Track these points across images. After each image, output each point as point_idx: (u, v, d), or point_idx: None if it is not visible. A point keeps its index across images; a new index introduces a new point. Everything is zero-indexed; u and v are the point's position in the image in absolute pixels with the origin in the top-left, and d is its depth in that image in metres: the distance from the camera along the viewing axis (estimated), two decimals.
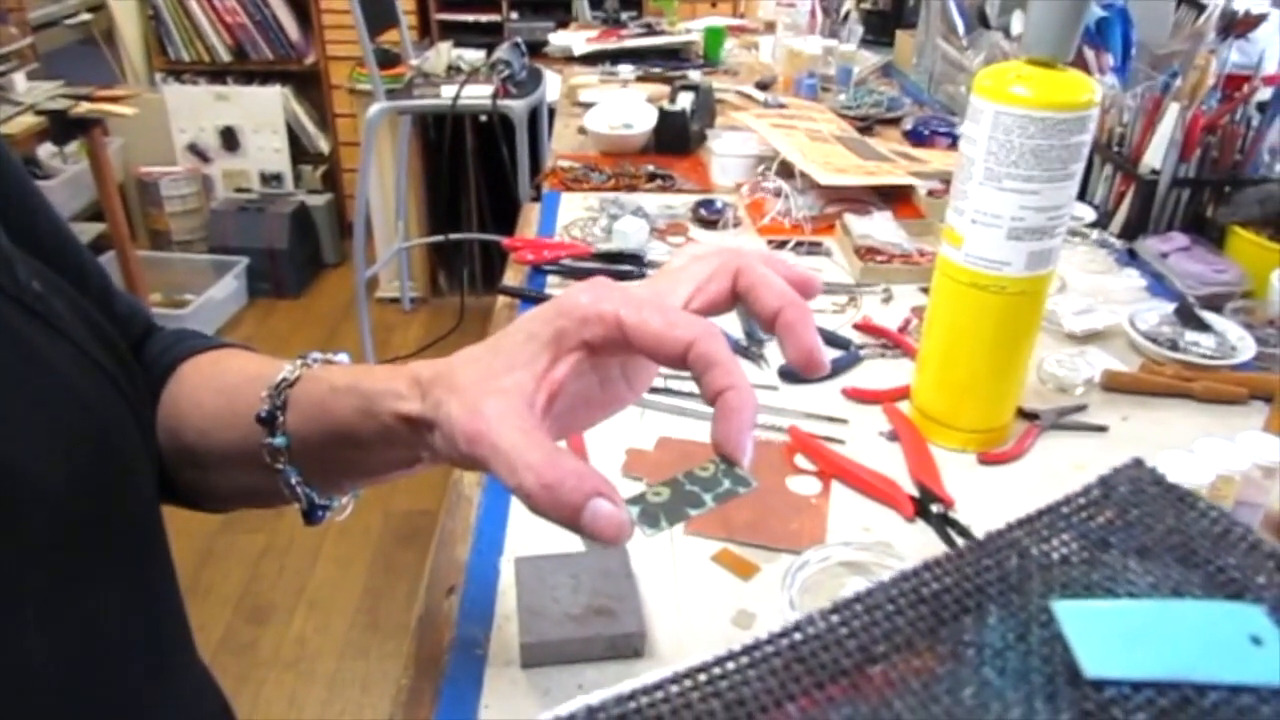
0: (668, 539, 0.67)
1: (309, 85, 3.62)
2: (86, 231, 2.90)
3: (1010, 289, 0.70)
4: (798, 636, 0.22)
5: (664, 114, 1.41)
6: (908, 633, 0.22)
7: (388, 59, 2.88)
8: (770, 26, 2.35)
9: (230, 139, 3.50)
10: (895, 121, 1.60)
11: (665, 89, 1.74)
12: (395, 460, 0.46)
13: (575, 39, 2.05)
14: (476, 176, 3.20)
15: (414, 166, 3.15)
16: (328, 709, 1.94)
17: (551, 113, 2.91)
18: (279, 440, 0.47)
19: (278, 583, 2.26)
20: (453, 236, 3.06)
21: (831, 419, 0.81)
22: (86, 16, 3.31)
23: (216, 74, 3.55)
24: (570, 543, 0.65)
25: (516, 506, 0.70)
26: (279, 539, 2.39)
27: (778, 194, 1.22)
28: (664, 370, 0.40)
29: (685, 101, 1.46)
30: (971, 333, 0.74)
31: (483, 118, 2.88)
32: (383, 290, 3.44)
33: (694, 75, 1.84)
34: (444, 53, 2.74)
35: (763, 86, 1.80)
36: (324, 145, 3.68)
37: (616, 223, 1.09)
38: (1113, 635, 0.21)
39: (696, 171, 1.37)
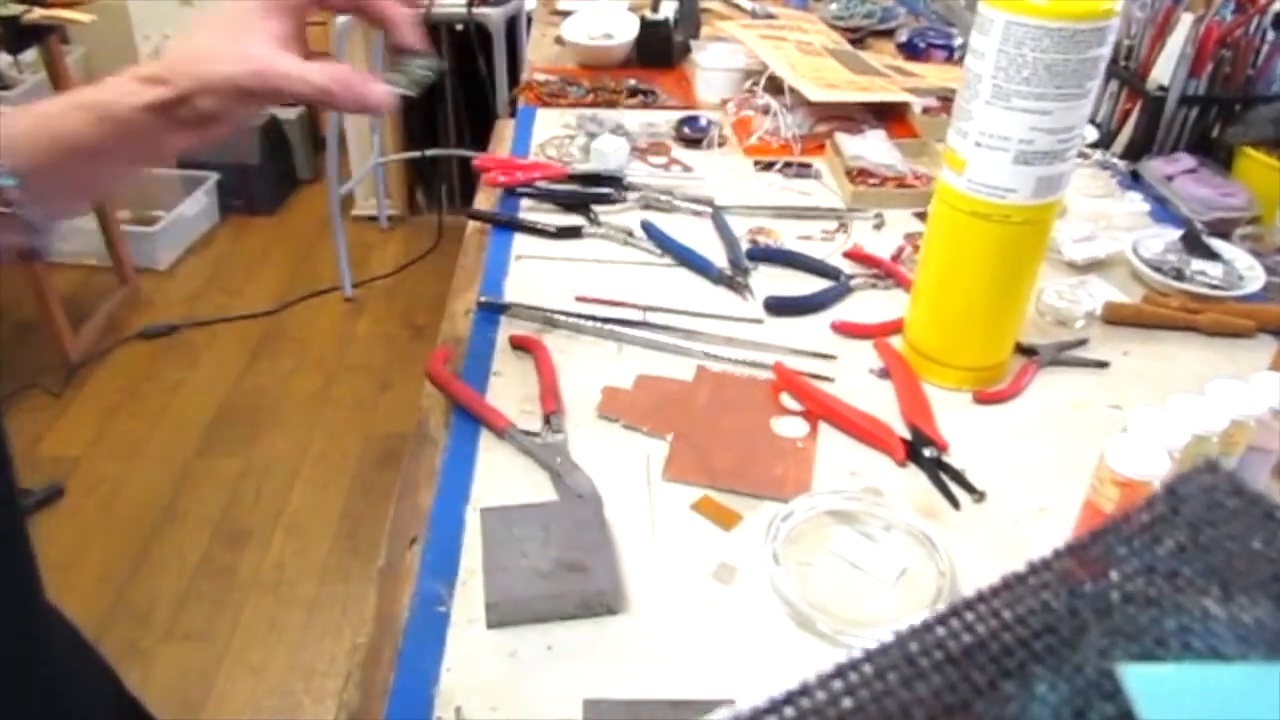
0: (644, 484, 0.63)
1: None
2: None
3: (1015, 218, 0.65)
4: (789, 713, 0.17)
5: (646, 24, 1.33)
6: (932, 708, 0.17)
7: None
8: None
9: None
10: (889, 34, 1.52)
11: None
12: (133, 156, 0.50)
13: None
14: (454, 89, 3.07)
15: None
16: (308, 632, 1.93)
17: (530, 22, 2.78)
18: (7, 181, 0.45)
19: (255, 507, 2.23)
20: (429, 152, 2.95)
21: (819, 355, 0.76)
22: None
23: None
24: (540, 491, 0.61)
25: (485, 450, 0.66)
26: (255, 463, 2.35)
27: (765, 111, 1.15)
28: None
29: (668, 10, 1.37)
30: (971, 264, 0.69)
31: (458, 27, 2.74)
32: (359, 208, 3.34)
33: None
34: None
35: None
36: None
37: (595, 141, 1.02)
38: (1199, 713, 0.16)
39: (681, 87, 1.30)
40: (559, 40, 1.45)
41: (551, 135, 1.10)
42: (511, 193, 0.96)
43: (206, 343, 2.73)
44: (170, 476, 2.28)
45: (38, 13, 2.32)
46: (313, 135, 3.60)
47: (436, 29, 2.85)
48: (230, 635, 1.91)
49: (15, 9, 2.30)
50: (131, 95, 0.46)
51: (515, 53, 2.65)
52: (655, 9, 1.39)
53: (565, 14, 1.57)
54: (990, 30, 0.61)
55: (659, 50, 1.34)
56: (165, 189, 3.23)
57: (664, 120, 1.15)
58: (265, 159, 3.30)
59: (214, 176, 3.23)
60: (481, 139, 3.07)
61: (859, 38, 1.46)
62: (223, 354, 2.69)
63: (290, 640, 1.91)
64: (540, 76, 1.28)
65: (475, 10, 2.40)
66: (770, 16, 1.55)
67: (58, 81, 2.51)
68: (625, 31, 1.37)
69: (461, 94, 3.08)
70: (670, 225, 0.93)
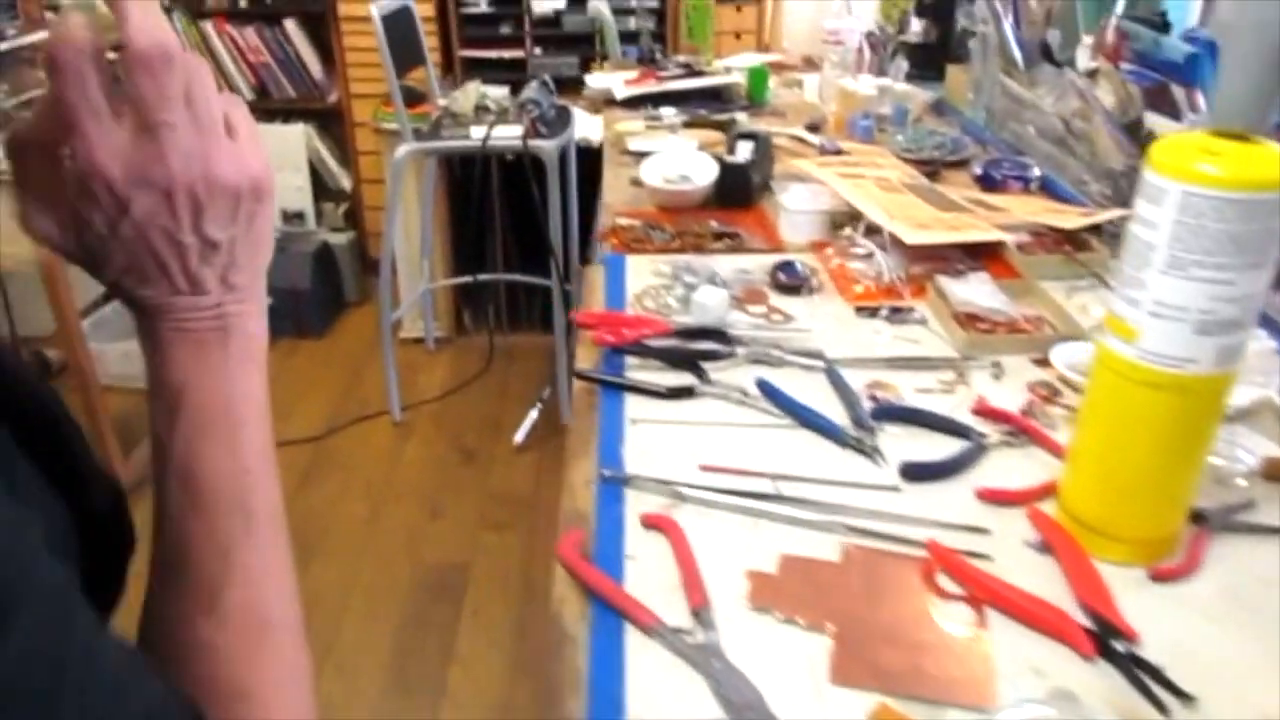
0: (811, 690, 0.58)
1: (331, 122, 3.57)
2: None
3: (1193, 388, 0.61)
4: None
5: (726, 166, 1.33)
6: None
7: (413, 96, 2.82)
8: (809, 63, 2.28)
9: None
10: (960, 164, 1.52)
11: (716, 135, 1.66)
12: None
13: (613, 80, 1.98)
14: (502, 215, 3.13)
15: (438, 205, 3.08)
16: None
17: (580, 151, 2.85)
18: None
19: None
20: (481, 277, 2.98)
21: (971, 529, 0.72)
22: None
23: None
24: (701, 701, 0.55)
25: (633, 650, 0.61)
26: (303, 594, 2.29)
27: (861, 255, 1.13)
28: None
29: (745, 151, 1.38)
30: (1143, 433, 0.65)
31: (509, 155, 2.81)
32: (407, 330, 3.36)
33: (743, 119, 1.77)
34: (471, 92, 2.67)
35: (813, 128, 1.72)
36: (346, 182, 3.62)
37: (695, 293, 1.00)
38: None
39: (763, 227, 1.29)
40: (635, 182, 1.46)
41: (646, 285, 1.08)
42: (617, 350, 0.93)
43: None
44: None
45: None
46: (361, 258, 3.67)
47: (487, 158, 2.93)
48: None
49: None
50: None
51: (564, 181, 2.70)
52: (731, 150, 1.40)
53: (637, 155, 1.59)
54: (1164, 201, 0.59)
55: (739, 192, 1.34)
56: None
57: (756, 265, 1.13)
58: (316, 282, 3.35)
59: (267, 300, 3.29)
60: (529, 263, 3.12)
61: (932, 170, 1.46)
62: None
63: None
64: (623, 221, 1.28)
65: (531, 143, 2.46)
66: (839, 151, 1.56)
67: None
68: (703, 174, 1.38)
69: (509, 220, 3.14)
70: (782, 381, 0.90)
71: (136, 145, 0.37)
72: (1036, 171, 1.37)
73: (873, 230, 1.16)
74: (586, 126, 2.87)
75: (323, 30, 3.45)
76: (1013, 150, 1.54)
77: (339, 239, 3.52)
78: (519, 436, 2.79)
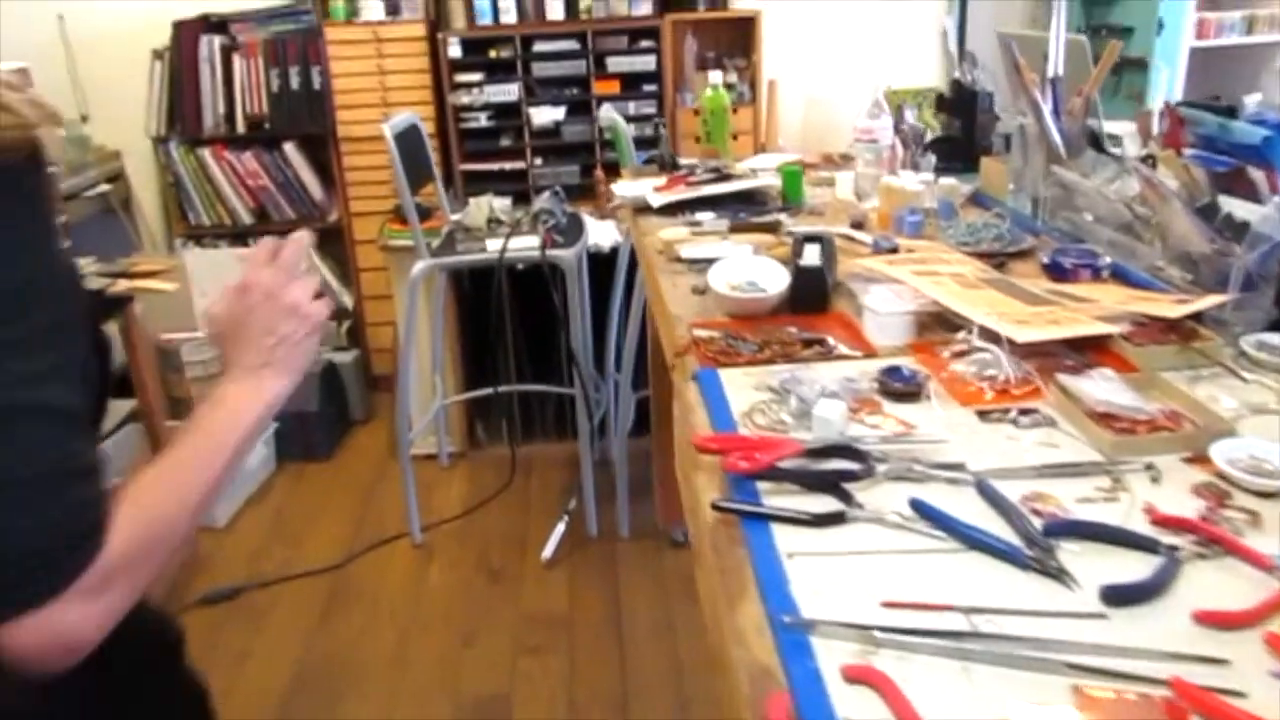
0: None
1: (331, 241, 3.55)
2: (116, 410, 2.75)
3: None
4: None
5: (801, 271, 1.31)
6: None
7: (421, 212, 2.81)
8: (830, 160, 2.30)
9: None
10: (1021, 255, 1.51)
11: (768, 238, 1.65)
12: None
13: (641, 187, 1.98)
14: (514, 325, 3.10)
15: (448, 318, 3.05)
16: None
17: (593, 258, 2.84)
18: None
19: None
20: (502, 389, 2.92)
21: (1204, 659, 0.65)
22: (106, 188, 3.25)
23: (237, 235, 3.48)
24: None
25: None
26: None
27: (961, 354, 1.10)
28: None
29: (813, 255, 1.36)
30: None
31: (520, 266, 2.79)
32: (417, 447, 3.26)
33: (787, 220, 1.76)
34: (484, 206, 2.67)
35: (857, 225, 1.72)
36: (348, 300, 3.58)
37: (814, 408, 0.95)
38: None
39: (847, 331, 1.25)
40: (697, 290, 1.43)
41: (754, 402, 1.03)
42: (747, 476, 0.88)
43: (272, 604, 2.58)
44: None
45: (123, 284, 2.35)
46: (366, 376, 3.61)
47: (499, 270, 2.90)
48: None
49: (100, 281, 2.33)
50: None
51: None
52: (798, 253, 1.37)
53: (688, 261, 1.57)
54: None
55: (815, 296, 1.31)
56: None
57: (858, 372, 1.09)
58: (323, 404, 3.27)
59: (273, 426, 3.19)
60: (541, 372, 3.07)
61: (998, 263, 1.45)
62: (290, 616, 2.54)
63: None
64: (701, 332, 1.24)
65: (549, 252, 2.44)
66: (895, 249, 1.54)
67: (131, 345, 2.51)
68: (772, 279, 1.35)
69: (520, 329, 3.10)
70: (929, 497, 0.84)
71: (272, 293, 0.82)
72: (1107, 259, 1.36)
73: (954, 327, 1.13)
74: (596, 233, 2.87)
75: (321, 152, 3.47)
76: (1071, 239, 1.53)
77: (344, 358, 3.46)
78: (547, 552, 2.69)
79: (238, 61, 3.33)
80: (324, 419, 3.30)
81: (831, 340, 1.21)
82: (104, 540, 0.61)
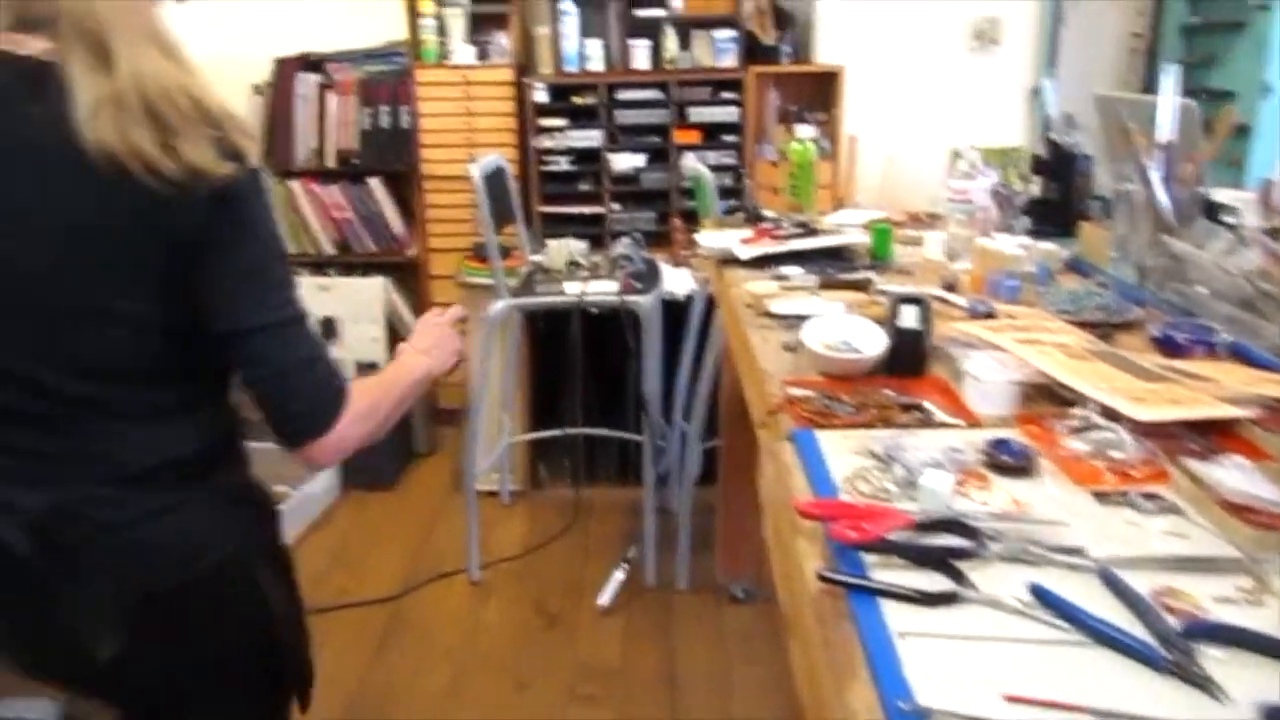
0: None
1: (407, 275, 3.61)
2: None
3: None
4: None
5: (901, 333, 1.27)
6: None
7: (500, 252, 2.84)
8: (917, 218, 2.27)
9: (329, 329, 3.45)
10: (1126, 327, 1.45)
11: (860, 296, 1.62)
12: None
13: (727, 239, 1.96)
14: (585, 367, 3.09)
15: (521, 357, 3.06)
16: None
17: (666, 305, 2.83)
18: None
19: None
20: (570, 431, 2.91)
21: None
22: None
23: (318, 265, 3.56)
24: None
25: None
26: None
27: (1076, 430, 1.05)
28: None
29: (911, 317, 1.32)
30: None
31: (595, 310, 2.80)
32: (479, 483, 3.27)
33: (876, 279, 1.73)
34: (563, 248, 2.69)
35: (949, 288, 1.67)
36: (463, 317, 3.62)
37: (921, 479, 0.91)
38: None
39: (946, 398, 1.21)
40: (787, 347, 1.40)
41: (855, 467, 0.99)
42: (855, 547, 0.84)
43: (330, 631, 2.57)
44: None
45: None
46: (432, 409, 3.64)
47: (570, 311, 2.91)
48: None
49: None
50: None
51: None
52: (895, 314, 1.34)
53: (778, 316, 1.54)
54: None
55: (914, 359, 1.27)
56: (290, 465, 3.21)
57: (964, 443, 1.05)
58: (390, 434, 3.29)
59: None
60: (609, 415, 3.05)
61: (1103, 334, 1.39)
62: (347, 644, 2.53)
63: None
64: (797, 391, 1.21)
65: (628, 298, 2.44)
66: (990, 314, 1.50)
67: None
68: (867, 339, 1.31)
69: (590, 371, 3.10)
70: (1047, 583, 0.79)
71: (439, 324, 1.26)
72: (1225, 336, 1.30)
73: (1063, 400, 1.08)
74: (672, 280, 2.86)
75: (404, 188, 3.54)
76: (1182, 312, 1.47)
77: None
78: (604, 599, 2.65)
79: (332, 99, 3.44)
80: (390, 449, 3.32)
81: (930, 406, 1.17)
82: (351, 392, 1.03)
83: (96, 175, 0.86)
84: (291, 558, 1.20)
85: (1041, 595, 0.78)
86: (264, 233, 0.96)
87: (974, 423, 1.13)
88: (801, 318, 1.43)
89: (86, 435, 0.97)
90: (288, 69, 3.46)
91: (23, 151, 0.89)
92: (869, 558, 0.84)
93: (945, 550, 0.83)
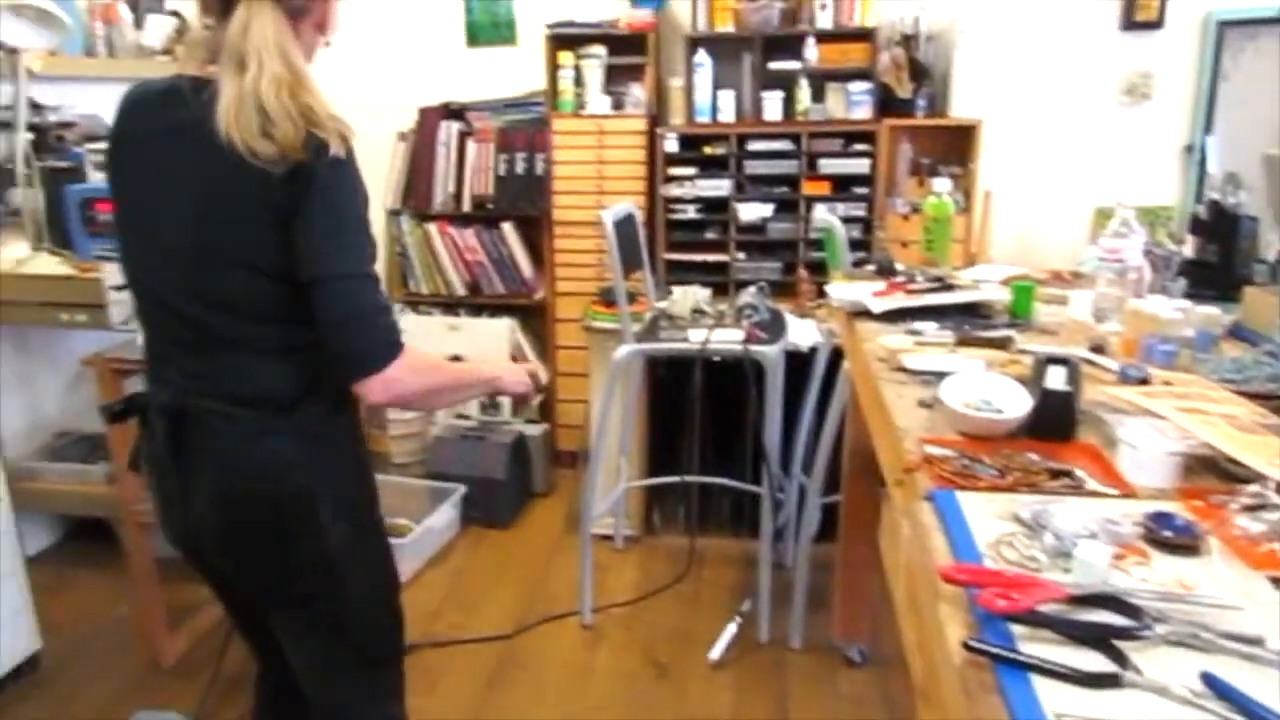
0: None
1: (533, 317, 3.71)
2: None
3: None
4: None
5: (1049, 395, 1.22)
6: None
7: (627, 297, 2.88)
8: (1061, 277, 2.18)
9: None
10: None
11: (999, 355, 1.56)
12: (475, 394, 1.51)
13: (858, 291, 1.93)
14: (702, 416, 3.09)
15: (641, 402, 3.08)
16: None
17: (789, 356, 2.80)
18: None
19: None
20: (688, 478, 2.91)
21: None
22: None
23: (449, 305, 3.70)
24: None
25: None
26: None
27: (1250, 509, 0.97)
28: None
29: (1058, 378, 1.26)
30: None
31: (717, 358, 2.79)
32: (594, 526, 3.29)
33: (1017, 337, 1.66)
34: (689, 296, 2.71)
35: (1097, 349, 1.59)
36: (543, 375, 3.70)
37: (1077, 550, 0.86)
38: None
39: (1097, 465, 1.15)
40: (924, 404, 1.36)
41: (1000, 533, 0.95)
42: (1003, 617, 0.80)
43: (443, 666, 2.61)
44: None
45: None
46: (552, 451, 3.69)
47: (692, 359, 2.92)
48: None
49: None
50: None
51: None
52: (1041, 375, 1.28)
53: (914, 373, 1.50)
54: None
55: (1061, 423, 1.21)
56: (411, 497, 3.32)
57: (1120, 514, 0.99)
58: (509, 474, 3.37)
59: (461, 489, 3.31)
60: (725, 464, 3.03)
61: (1275, 407, 1.29)
62: (459, 680, 2.56)
63: None
64: (935, 450, 1.17)
65: (752, 348, 2.43)
66: (1145, 380, 1.41)
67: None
68: (1010, 399, 1.26)
69: (709, 420, 3.09)
70: (1220, 673, 0.73)
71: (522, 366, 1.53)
72: None
73: (1230, 476, 1.00)
74: (796, 331, 2.84)
75: (535, 232, 3.65)
76: None
77: (533, 430, 3.56)
78: (715, 653, 2.60)
79: (471, 146, 3.59)
80: (509, 488, 3.39)
81: (1080, 473, 1.11)
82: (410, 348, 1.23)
83: (225, 153, 1.13)
84: (362, 499, 1.38)
85: (1215, 686, 0.72)
86: (342, 207, 1.18)
87: (1129, 493, 1.07)
88: (939, 374, 1.39)
89: (215, 360, 1.24)
90: (431, 117, 3.64)
91: (183, 134, 1.18)
92: (1018, 629, 0.80)
93: (1105, 628, 0.78)
